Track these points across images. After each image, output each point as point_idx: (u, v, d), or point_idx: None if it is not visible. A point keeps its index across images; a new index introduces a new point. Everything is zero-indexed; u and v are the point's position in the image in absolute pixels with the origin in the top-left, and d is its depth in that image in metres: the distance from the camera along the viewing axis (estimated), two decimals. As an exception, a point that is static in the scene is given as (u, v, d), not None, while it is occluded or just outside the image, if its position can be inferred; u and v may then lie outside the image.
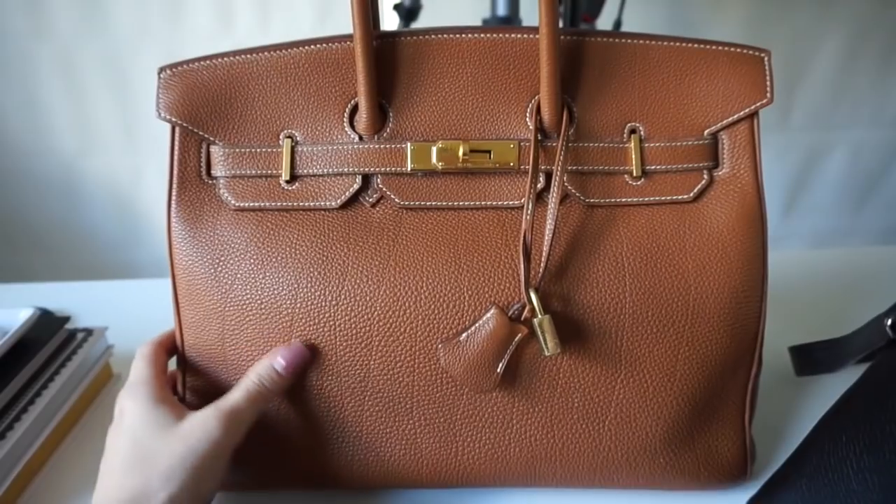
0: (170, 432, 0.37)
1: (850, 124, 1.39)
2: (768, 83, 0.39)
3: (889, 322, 0.38)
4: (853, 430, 0.34)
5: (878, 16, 1.29)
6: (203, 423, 0.37)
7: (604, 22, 0.98)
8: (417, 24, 1.03)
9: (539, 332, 0.36)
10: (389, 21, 1.02)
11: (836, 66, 1.33)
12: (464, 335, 0.37)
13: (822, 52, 1.31)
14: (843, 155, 1.42)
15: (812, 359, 0.49)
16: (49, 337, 0.52)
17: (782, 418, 0.49)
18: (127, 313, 0.59)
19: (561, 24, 0.85)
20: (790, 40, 1.28)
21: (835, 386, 0.40)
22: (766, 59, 0.39)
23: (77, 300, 0.64)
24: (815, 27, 1.28)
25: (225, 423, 0.37)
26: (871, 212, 1.50)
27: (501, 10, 0.83)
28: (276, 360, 0.39)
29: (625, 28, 0.97)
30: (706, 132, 0.40)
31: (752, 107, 0.39)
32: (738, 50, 0.39)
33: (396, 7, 0.98)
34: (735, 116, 0.39)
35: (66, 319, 0.54)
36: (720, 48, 0.39)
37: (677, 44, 0.40)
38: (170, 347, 0.43)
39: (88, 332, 0.55)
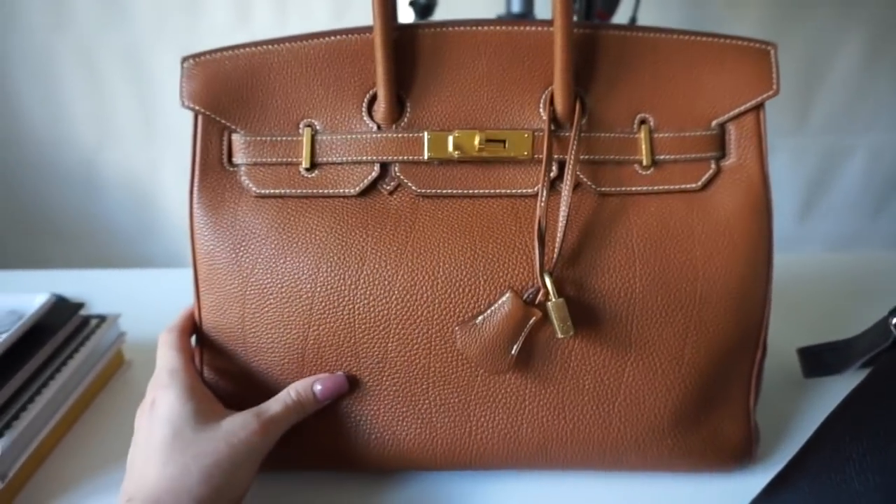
0: (211, 428, 0.37)
1: (870, 127, 1.35)
2: (774, 75, 0.40)
3: (894, 321, 0.38)
4: (856, 430, 0.34)
5: (899, 16, 1.25)
6: (244, 426, 0.38)
7: (618, 20, 0.99)
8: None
9: (553, 316, 0.38)
10: (405, 17, 1.03)
11: (855, 68, 1.28)
12: (480, 318, 0.38)
13: (842, 53, 1.27)
14: (861, 158, 1.38)
15: (819, 360, 0.49)
16: (63, 322, 0.53)
17: (790, 419, 0.49)
18: (140, 302, 0.60)
19: (575, 19, 0.86)
20: (808, 41, 1.24)
21: (842, 388, 0.39)
22: (772, 51, 0.41)
23: (92, 288, 0.65)
24: (834, 28, 1.24)
25: (264, 429, 0.38)
26: (889, 216, 1.44)
27: (516, 7, 0.83)
28: (315, 385, 0.40)
29: (639, 26, 0.96)
30: (714, 123, 0.41)
31: (759, 98, 0.40)
32: (746, 43, 0.41)
33: (412, 3, 0.99)
34: (742, 108, 0.41)
35: (81, 306, 0.55)
36: (728, 41, 0.41)
37: (687, 37, 0.41)
38: (190, 331, 0.43)
39: (102, 318, 0.56)
